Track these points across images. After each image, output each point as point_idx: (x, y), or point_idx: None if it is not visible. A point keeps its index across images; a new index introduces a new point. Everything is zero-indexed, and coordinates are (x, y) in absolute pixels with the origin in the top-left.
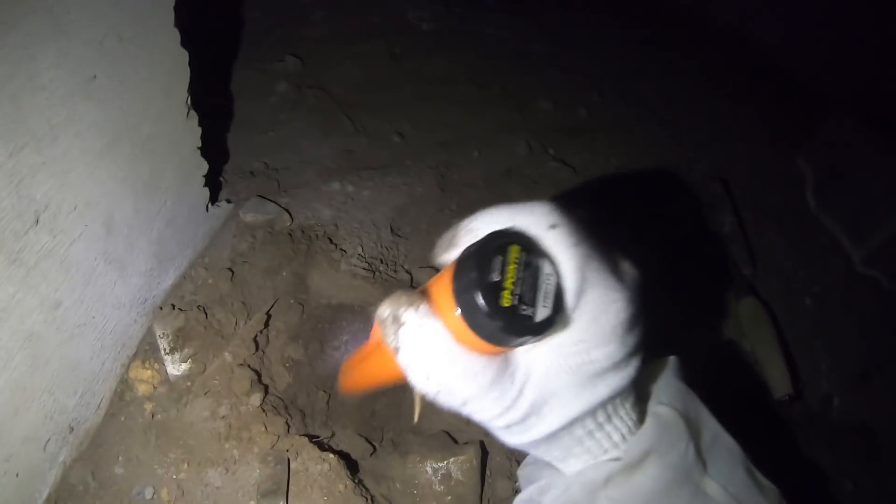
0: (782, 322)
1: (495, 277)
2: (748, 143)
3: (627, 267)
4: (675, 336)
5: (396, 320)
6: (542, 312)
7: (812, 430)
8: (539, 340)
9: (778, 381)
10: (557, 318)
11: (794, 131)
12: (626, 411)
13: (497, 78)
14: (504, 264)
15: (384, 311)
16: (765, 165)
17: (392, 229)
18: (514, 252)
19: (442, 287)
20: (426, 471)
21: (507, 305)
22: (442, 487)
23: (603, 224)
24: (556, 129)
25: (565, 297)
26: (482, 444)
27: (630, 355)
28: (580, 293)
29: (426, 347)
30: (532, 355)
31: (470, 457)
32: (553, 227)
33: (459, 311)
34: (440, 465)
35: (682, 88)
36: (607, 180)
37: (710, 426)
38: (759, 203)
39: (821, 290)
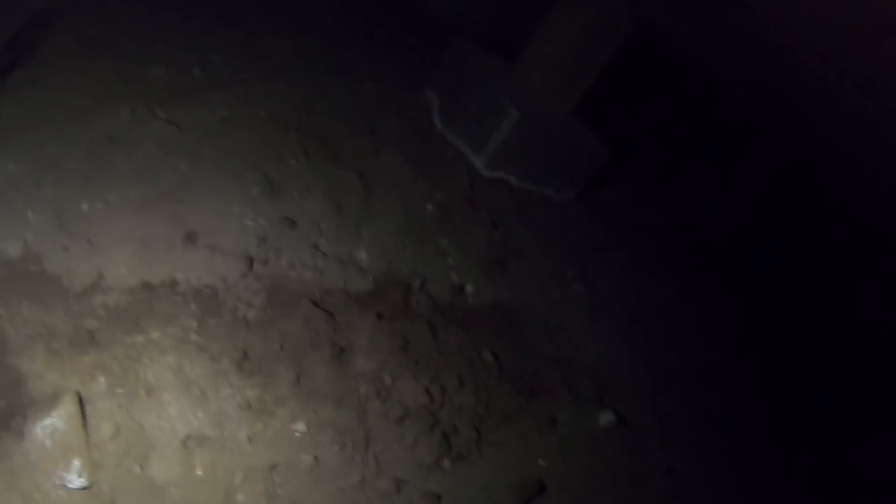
0: (403, 228)
1: None
2: (378, 81)
3: None
4: None
5: None
6: None
7: (444, 316)
8: None
9: None
10: None
11: (424, 66)
12: None
13: (110, 50)
14: None
15: None
16: (394, 99)
17: None
18: None
19: None
20: (37, 433)
21: None
22: (51, 443)
23: None
24: (166, 92)
25: None
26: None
27: None
28: None
29: None
30: None
31: (67, 405)
32: None
33: None
34: (48, 422)
35: (315, 42)
36: (210, 131)
37: None
38: (380, 132)
39: (445, 196)
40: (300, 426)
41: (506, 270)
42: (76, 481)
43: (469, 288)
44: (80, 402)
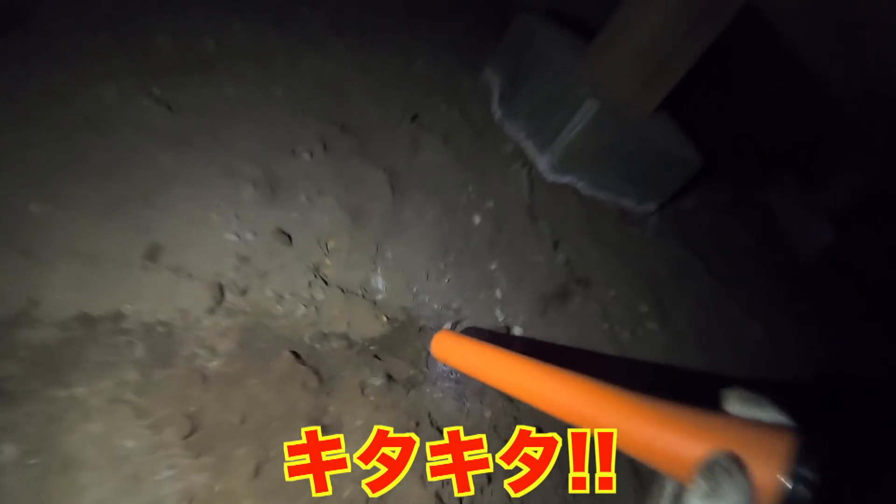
0: (440, 246)
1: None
2: (429, 59)
3: None
4: None
5: (726, 471)
6: None
7: None
8: None
9: None
10: None
11: (483, 44)
12: None
13: (112, 19)
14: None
15: (716, 456)
16: (446, 81)
17: None
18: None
19: (768, 462)
20: None
21: None
22: None
23: None
24: (168, 66)
25: None
26: None
27: None
28: None
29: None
30: None
31: None
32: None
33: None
34: None
35: (357, 12)
36: (209, 114)
37: None
38: (424, 120)
39: (498, 205)
40: None
41: (567, 304)
42: None
43: (517, 330)
44: None
